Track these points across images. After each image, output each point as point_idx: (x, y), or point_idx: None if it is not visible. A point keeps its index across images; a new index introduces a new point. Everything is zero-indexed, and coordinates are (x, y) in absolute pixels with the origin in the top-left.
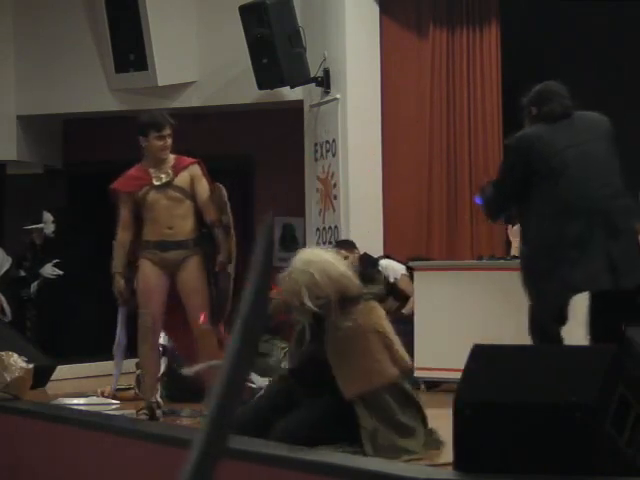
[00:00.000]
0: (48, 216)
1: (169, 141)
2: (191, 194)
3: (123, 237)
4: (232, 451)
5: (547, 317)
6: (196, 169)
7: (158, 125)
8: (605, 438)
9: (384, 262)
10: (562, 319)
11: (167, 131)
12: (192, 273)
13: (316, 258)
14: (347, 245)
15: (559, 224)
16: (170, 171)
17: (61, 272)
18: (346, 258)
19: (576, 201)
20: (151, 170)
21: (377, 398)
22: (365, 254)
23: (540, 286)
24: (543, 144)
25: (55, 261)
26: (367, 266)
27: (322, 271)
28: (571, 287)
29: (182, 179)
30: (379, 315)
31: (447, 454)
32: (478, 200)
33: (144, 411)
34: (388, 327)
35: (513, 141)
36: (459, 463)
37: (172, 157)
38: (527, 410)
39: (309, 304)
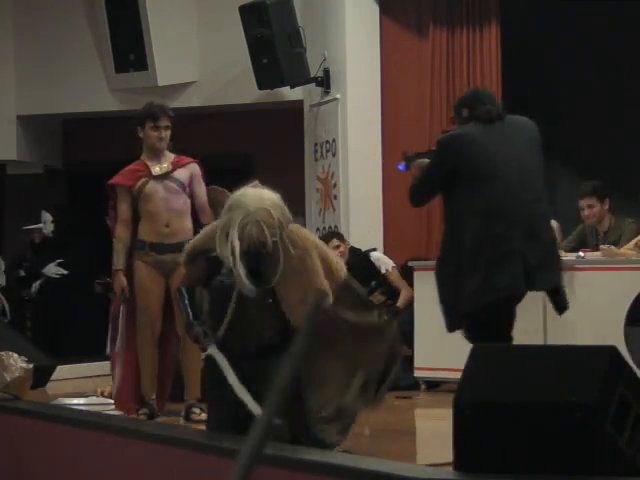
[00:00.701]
0: (47, 216)
1: (165, 133)
2: (189, 191)
3: (123, 233)
4: (232, 451)
5: (462, 318)
6: (196, 169)
7: (154, 115)
8: (605, 438)
9: (375, 254)
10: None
11: (164, 122)
12: None
13: (264, 194)
14: (338, 236)
15: (483, 227)
16: (170, 164)
17: (65, 271)
18: (337, 247)
19: (502, 204)
20: (149, 163)
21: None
22: (353, 247)
23: (466, 288)
24: (475, 146)
25: (59, 261)
26: (358, 258)
27: (275, 204)
28: (495, 289)
29: (181, 173)
30: (305, 230)
31: (447, 454)
32: (401, 167)
33: (144, 410)
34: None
35: (446, 139)
36: (459, 463)
37: (172, 155)
38: (527, 410)
39: (269, 242)
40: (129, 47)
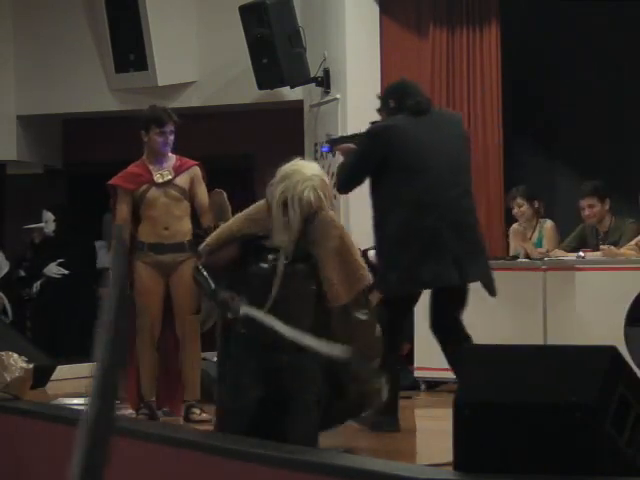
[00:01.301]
0: (49, 215)
1: (170, 138)
2: (190, 195)
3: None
4: (232, 451)
5: (389, 307)
6: (197, 171)
7: (159, 120)
8: (605, 438)
9: (373, 252)
10: (406, 312)
11: (169, 127)
12: (186, 277)
13: (314, 164)
14: None
15: (412, 218)
16: (171, 170)
17: (66, 271)
18: None
19: (429, 197)
20: (152, 167)
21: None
22: None
23: (386, 275)
24: (405, 137)
25: (60, 260)
26: None
27: (324, 174)
28: (418, 281)
29: (182, 179)
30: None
31: (447, 454)
32: (324, 149)
33: (144, 411)
34: None
35: (375, 129)
36: (459, 463)
37: (174, 157)
38: (527, 410)
39: (326, 209)
40: (129, 47)
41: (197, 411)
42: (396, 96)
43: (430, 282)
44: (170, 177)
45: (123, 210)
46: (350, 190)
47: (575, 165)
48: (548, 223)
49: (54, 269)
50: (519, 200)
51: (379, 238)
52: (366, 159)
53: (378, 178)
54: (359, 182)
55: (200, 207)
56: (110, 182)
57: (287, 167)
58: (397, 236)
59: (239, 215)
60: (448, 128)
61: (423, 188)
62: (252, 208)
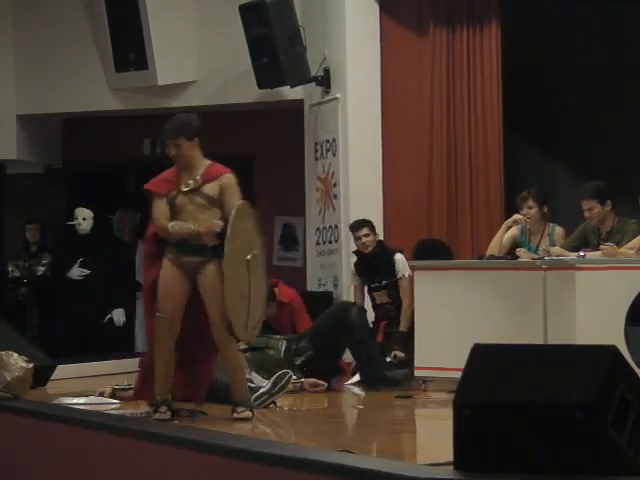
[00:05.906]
0: (87, 212)
1: (179, 151)
2: (219, 202)
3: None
4: (232, 450)
5: None
6: (228, 180)
7: (162, 138)
8: (605, 438)
9: (399, 256)
10: None
11: (174, 142)
12: (211, 278)
13: None
14: (369, 225)
15: None
16: (198, 178)
17: (88, 271)
18: (367, 236)
19: None
20: (182, 175)
21: None
22: (381, 241)
23: None
24: None
25: (80, 260)
26: (383, 254)
27: None
28: None
29: (210, 187)
30: None
31: (447, 454)
32: None
33: (162, 409)
34: None
35: None
36: (459, 463)
37: (207, 163)
38: (527, 410)
39: None
40: (129, 46)
41: (240, 409)
42: None
43: None
44: (195, 186)
45: (162, 207)
46: None
47: (575, 165)
48: (559, 229)
49: (77, 272)
50: (531, 202)
51: None
52: None
53: None
54: None
55: (226, 216)
56: (145, 186)
57: None
58: None
59: None
60: None
61: None
62: None
